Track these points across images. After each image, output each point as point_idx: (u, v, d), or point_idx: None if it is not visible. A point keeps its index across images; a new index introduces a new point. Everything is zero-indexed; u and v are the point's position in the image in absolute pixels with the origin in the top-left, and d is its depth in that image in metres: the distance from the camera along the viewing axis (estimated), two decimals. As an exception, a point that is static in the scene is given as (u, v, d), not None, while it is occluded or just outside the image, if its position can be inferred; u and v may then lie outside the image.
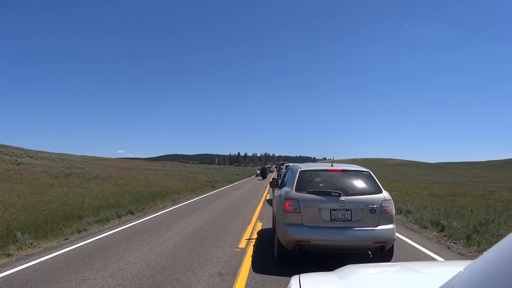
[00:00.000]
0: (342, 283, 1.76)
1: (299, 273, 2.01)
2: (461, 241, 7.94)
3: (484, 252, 0.95)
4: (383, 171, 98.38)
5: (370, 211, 5.45)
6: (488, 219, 10.08)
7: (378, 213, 5.46)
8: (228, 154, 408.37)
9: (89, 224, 9.90)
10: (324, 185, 5.85)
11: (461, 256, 6.91)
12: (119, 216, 11.58)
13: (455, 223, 9.51)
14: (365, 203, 5.48)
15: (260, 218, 11.39)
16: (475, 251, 7.20)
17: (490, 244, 7.44)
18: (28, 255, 6.77)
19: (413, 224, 10.46)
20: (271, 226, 9.29)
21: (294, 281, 1.87)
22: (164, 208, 14.46)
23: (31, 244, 7.45)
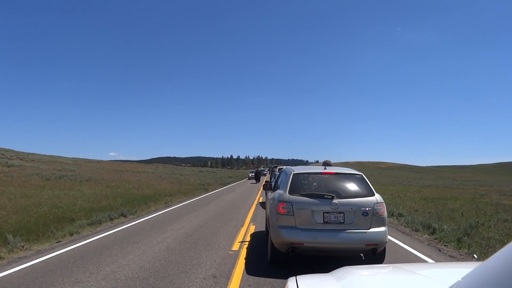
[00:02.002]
0: (339, 284, 1.79)
1: (293, 275, 2.03)
2: (452, 243, 8.03)
3: (479, 260, 0.97)
4: (375, 174, 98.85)
5: (362, 213, 5.51)
6: (478, 222, 10.22)
7: (371, 216, 5.52)
8: (220, 156, 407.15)
9: (81, 227, 9.83)
10: (317, 188, 5.90)
11: (452, 258, 7.00)
12: (111, 219, 11.52)
13: (446, 226, 9.63)
14: (358, 205, 5.54)
15: (253, 220, 11.41)
16: (465, 253, 7.29)
17: (481, 247, 7.55)
18: (20, 258, 6.71)
19: (405, 227, 10.56)
20: (264, 229, 9.32)
21: (291, 282, 1.88)
22: (156, 210, 14.41)
23: (23, 247, 7.38)
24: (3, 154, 43.18)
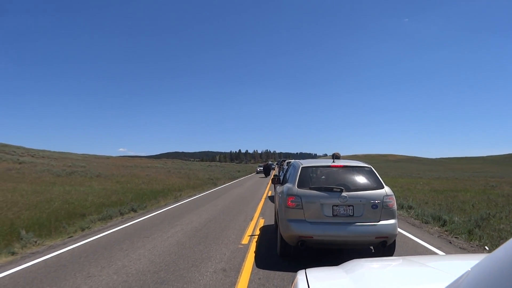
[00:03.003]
0: (349, 277, 1.78)
1: (302, 268, 2.03)
2: (463, 235, 7.97)
3: (491, 252, 0.96)
4: (384, 167, 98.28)
5: (372, 206, 5.48)
6: (489, 213, 10.11)
7: (380, 209, 5.49)
8: (229, 151, 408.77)
9: (92, 222, 9.95)
10: (326, 181, 5.88)
11: (463, 250, 6.94)
12: (121, 214, 11.63)
13: (456, 218, 9.54)
14: (367, 198, 5.51)
15: (262, 214, 11.43)
16: (477, 245, 7.23)
17: (492, 238, 7.47)
18: (33, 253, 6.82)
19: (415, 219, 10.50)
20: (273, 223, 9.33)
21: (300, 276, 1.87)
22: (166, 205, 14.52)
23: (35, 242, 7.50)
24: (15, 151, 43.76)
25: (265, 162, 66.29)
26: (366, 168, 6.05)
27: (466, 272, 1.00)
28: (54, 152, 59.25)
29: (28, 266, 5.86)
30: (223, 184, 29.07)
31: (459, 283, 0.98)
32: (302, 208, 5.55)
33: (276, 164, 58.03)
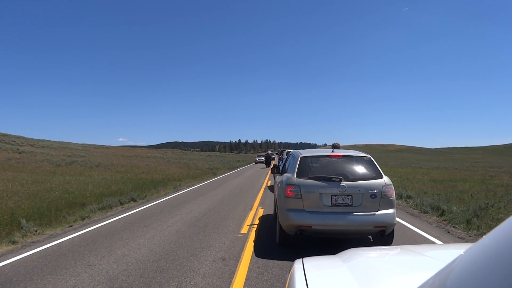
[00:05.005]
0: (346, 266, 1.78)
1: (300, 257, 2.03)
2: (461, 225, 8.01)
3: (483, 236, 0.96)
4: (384, 157, 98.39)
5: (370, 196, 5.49)
6: (488, 203, 10.14)
7: (379, 198, 5.50)
8: (228, 141, 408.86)
9: (92, 212, 9.99)
10: (325, 171, 5.88)
11: (461, 240, 6.98)
12: (121, 203, 11.68)
13: (455, 208, 9.58)
14: (366, 188, 5.52)
15: (261, 204, 11.46)
16: (475, 235, 7.27)
17: (490, 228, 7.50)
18: (33, 242, 6.86)
19: (414, 209, 10.54)
20: (272, 212, 9.36)
21: (297, 265, 1.88)
22: (166, 195, 14.55)
23: (36, 231, 7.54)
24: (14, 141, 43.75)
25: (265, 152, 66.25)
26: (365, 158, 6.05)
27: (459, 256, 1.01)
28: (54, 141, 59.19)
29: (28, 255, 5.90)
30: (223, 174, 29.10)
31: (452, 266, 0.99)
32: (301, 198, 5.57)
33: (276, 154, 57.99)
